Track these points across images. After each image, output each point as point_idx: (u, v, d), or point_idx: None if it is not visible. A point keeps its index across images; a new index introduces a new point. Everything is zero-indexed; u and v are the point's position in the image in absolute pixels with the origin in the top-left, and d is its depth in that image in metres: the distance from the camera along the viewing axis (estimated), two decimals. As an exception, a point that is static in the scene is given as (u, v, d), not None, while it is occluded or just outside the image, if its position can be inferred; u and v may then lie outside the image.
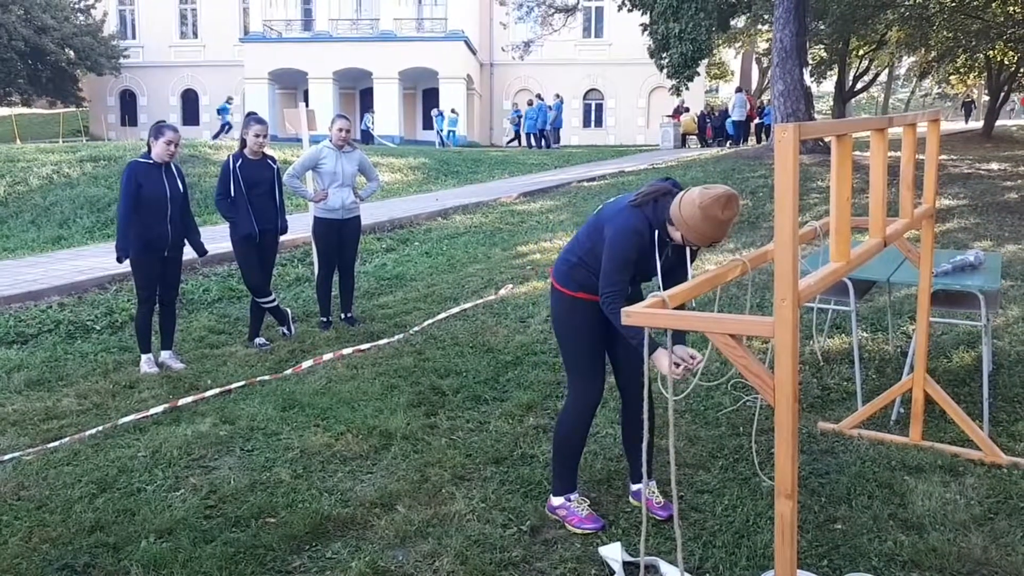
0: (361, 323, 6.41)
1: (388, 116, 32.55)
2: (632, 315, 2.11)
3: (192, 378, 5.07)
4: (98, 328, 6.35)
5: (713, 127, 26.38)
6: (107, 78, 36.69)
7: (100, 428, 4.19)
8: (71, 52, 33.80)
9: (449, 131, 29.34)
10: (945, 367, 4.77)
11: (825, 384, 4.58)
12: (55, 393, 4.85)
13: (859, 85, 27.91)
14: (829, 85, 30.90)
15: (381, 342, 5.79)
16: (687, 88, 19.20)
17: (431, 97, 34.10)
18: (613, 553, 2.78)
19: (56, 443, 4.01)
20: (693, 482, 3.41)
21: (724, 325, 2.03)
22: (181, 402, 4.56)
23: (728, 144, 24.59)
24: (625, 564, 2.73)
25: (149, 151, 5.10)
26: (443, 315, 6.49)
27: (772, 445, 3.65)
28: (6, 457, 3.84)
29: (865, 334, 5.49)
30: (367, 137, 28.06)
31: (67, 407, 4.59)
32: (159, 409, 4.45)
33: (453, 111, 30.31)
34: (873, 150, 2.75)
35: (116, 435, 4.11)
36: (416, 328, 6.14)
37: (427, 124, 34.34)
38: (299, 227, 8.81)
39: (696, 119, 26.87)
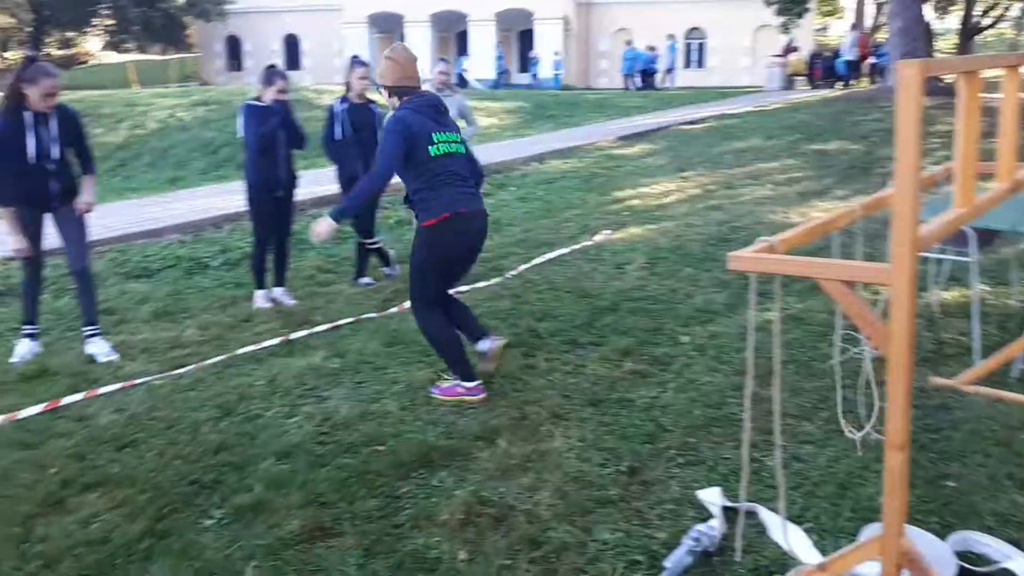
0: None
1: (483, 59, 32.35)
2: (740, 259, 2.08)
3: (303, 313, 5.32)
4: (215, 265, 6.70)
5: (823, 67, 25.05)
6: (214, 24, 37.84)
7: (221, 357, 4.47)
8: (181, -1, 34.98)
9: (555, 74, 28.85)
10: (1073, 324, 4.49)
11: (939, 338, 4.40)
12: (179, 324, 5.19)
13: (986, 20, 25.82)
14: (952, 21, 28.74)
15: (479, 284, 5.90)
16: (796, 25, 18.28)
17: (527, 39, 33.65)
18: (712, 497, 2.81)
19: (182, 370, 4.31)
20: (796, 432, 3.37)
21: (837, 271, 1.98)
22: (294, 336, 4.81)
23: (839, 85, 23.34)
24: (724, 509, 2.75)
25: (259, 96, 5.27)
26: (539, 260, 6.54)
27: (880, 398, 3.56)
28: (138, 381, 4.16)
29: (986, 287, 5.21)
30: (462, 82, 28.05)
31: (190, 337, 4.91)
32: (274, 341, 4.71)
33: (556, 53, 29.78)
34: (1005, 88, 2.58)
35: (235, 364, 4.38)
36: (513, 272, 6.21)
37: (523, 67, 33.97)
38: (400, 170, 8.97)
39: (805, 59, 25.57)
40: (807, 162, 10.25)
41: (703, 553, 2.50)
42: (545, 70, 28.77)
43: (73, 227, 4.57)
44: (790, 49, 25.98)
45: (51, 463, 3.25)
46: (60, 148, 4.42)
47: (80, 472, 3.16)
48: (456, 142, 3.87)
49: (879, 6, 33.52)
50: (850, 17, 35.38)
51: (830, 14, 40.90)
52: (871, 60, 23.98)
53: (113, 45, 39.93)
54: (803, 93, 21.57)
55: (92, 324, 4.64)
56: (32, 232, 4.43)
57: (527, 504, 2.88)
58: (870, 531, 2.50)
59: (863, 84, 22.86)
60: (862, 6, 35.04)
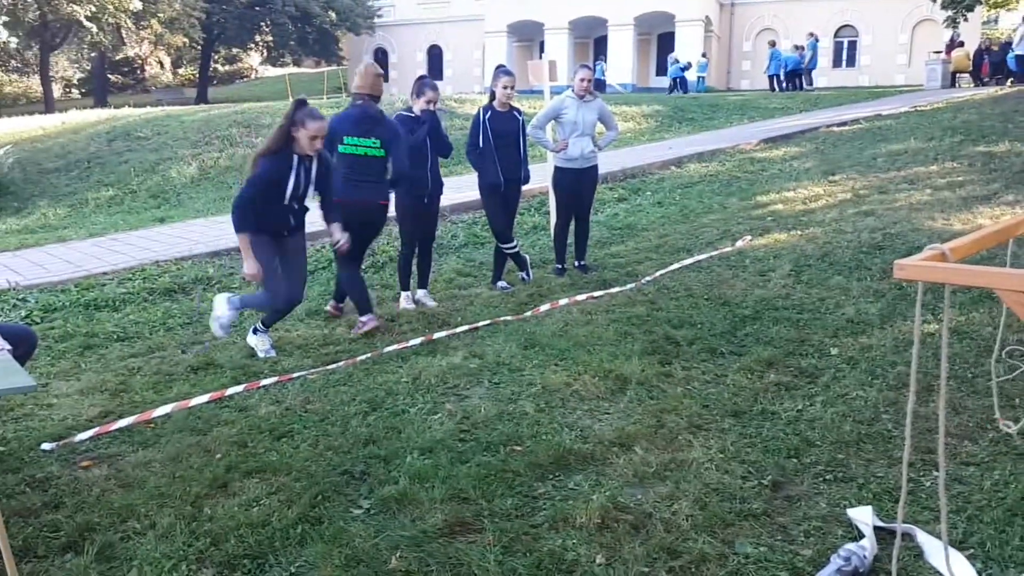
0: (594, 271, 6.53)
1: (621, 63, 32.15)
2: (907, 268, 1.97)
3: (444, 315, 5.50)
4: (364, 267, 7.03)
5: (991, 63, 23.14)
6: (363, 37, 39.76)
7: (368, 355, 4.70)
8: (333, 14, 36.94)
9: (699, 77, 28.24)
10: None
11: None
12: (330, 322, 5.49)
13: None
14: None
15: (614, 290, 5.88)
16: (965, 19, 16.95)
17: (667, 42, 33.17)
18: (864, 516, 2.67)
19: (334, 366, 4.56)
20: (957, 452, 3.14)
21: (1019, 281, 1.83)
22: (436, 336, 4.98)
23: (1010, 82, 21.48)
24: (876, 529, 2.61)
25: (411, 106, 5.50)
26: (676, 265, 6.43)
27: (1057, 420, 3.26)
28: (295, 375, 4.44)
29: None
30: (600, 85, 28.01)
31: (340, 335, 5.18)
32: (417, 341, 4.90)
33: (704, 55, 29.10)
34: None
35: (382, 362, 4.59)
36: (648, 278, 6.15)
37: (661, 71, 33.50)
38: (537, 177, 9.07)
39: (971, 55, 23.72)
40: (971, 165, 9.51)
41: (853, 573, 2.39)
42: (689, 73, 28.13)
43: (298, 259, 4.81)
44: (954, 44, 24.18)
45: (217, 449, 3.53)
46: (312, 190, 4.68)
47: (242, 458, 3.41)
48: (371, 147, 5.09)
49: (1058, -6, 30.63)
50: (1023, 8, 32.50)
51: (1000, 5, 37.73)
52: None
53: (272, 60, 42.79)
54: (968, 91, 20.03)
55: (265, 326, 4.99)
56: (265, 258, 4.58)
57: (665, 513, 2.85)
58: (1045, 564, 2.30)
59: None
60: (1038, -6, 32.16)
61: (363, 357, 4.66)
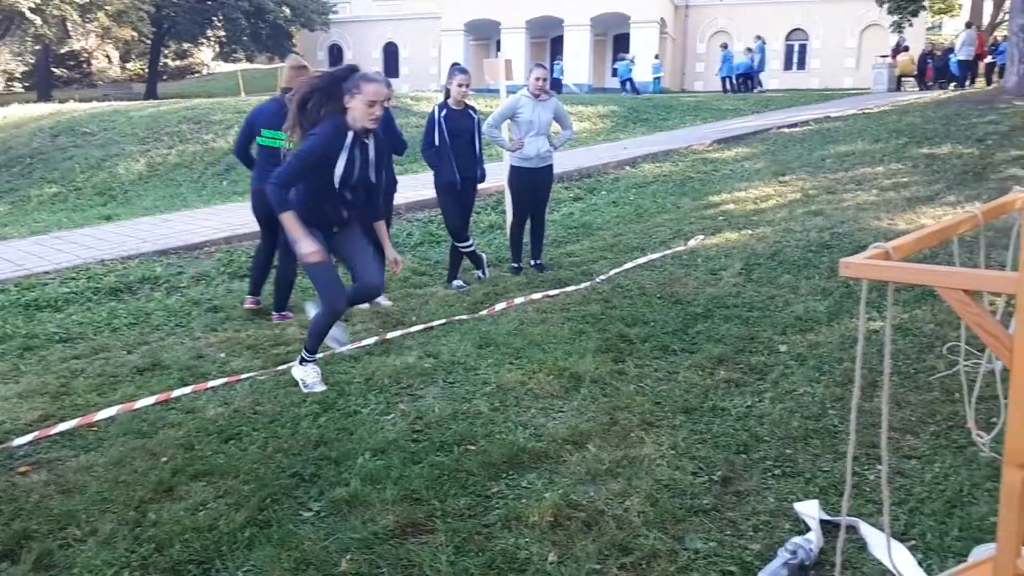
0: (550, 270, 6.55)
1: (578, 64, 32.32)
2: (852, 266, 2.00)
3: (399, 314, 5.46)
4: (315, 266, 6.95)
5: (935, 67, 23.84)
6: (318, 33, 39.29)
7: (321, 355, 4.63)
8: (287, 9, 36.42)
9: (655, 78, 28.51)
10: None
11: (1061, 353, 4.12)
12: (282, 322, 5.40)
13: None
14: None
15: (569, 289, 5.90)
16: (910, 24, 17.45)
17: (623, 43, 33.46)
18: (810, 510, 2.72)
19: (284, 366, 4.49)
20: (900, 446, 3.22)
21: (959, 279, 1.88)
22: (390, 335, 4.94)
23: (952, 86, 22.17)
24: (822, 523, 2.66)
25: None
26: (630, 264, 6.48)
27: (992, 414, 3.37)
28: (244, 376, 4.36)
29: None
30: (556, 85, 28.11)
31: (292, 335, 5.11)
32: (371, 341, 4.85)
33: (656, 57, 29.38)
34: None
35: (334, 362, 4.53)
36: (603, 276, 6.19)
37: (616, 71, 33.81)
38: (493, 176, 9.07)
39: (915, 59, 24.41)
40: (915, 167, 9.78)
41: (799, 566, 2.43)
42: (643, 73, 28.40)
43: (362, 241, 4.18)
44: (900, 49, 24.85)
45: (162, 452, 3.44)
46: (372, 175, 3.99)
47: (189, 461, 3.34)
48: (276, 139, 5.17)
49: (997, 2, 31.63)
50: (966, 14, 33.52)
51: (944, 11, 38.89)
52: (988, 60, 22.67)
53: (224, 55, 42.01)
54: (912, 95, 20.60)
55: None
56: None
57: (617, 509, 2.86)
58: (981, 551, 2.36)
59: (979, 85, 21.63)
60: (980, 2, 33.20)
61: (315, 357, 4.59)
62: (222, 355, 4.78)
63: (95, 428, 3.74)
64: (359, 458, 3.30)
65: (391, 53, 40.25)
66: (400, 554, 2.64)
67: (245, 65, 41.90)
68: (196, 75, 49.38)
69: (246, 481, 3.16)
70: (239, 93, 27.30)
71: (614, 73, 31.94)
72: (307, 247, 3.73)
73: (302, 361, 4.14)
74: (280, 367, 4.48)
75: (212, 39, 39.93)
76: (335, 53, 41.13)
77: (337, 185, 3.85)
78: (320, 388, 4.04)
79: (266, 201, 5.02)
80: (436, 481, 3.08)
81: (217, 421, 3.77)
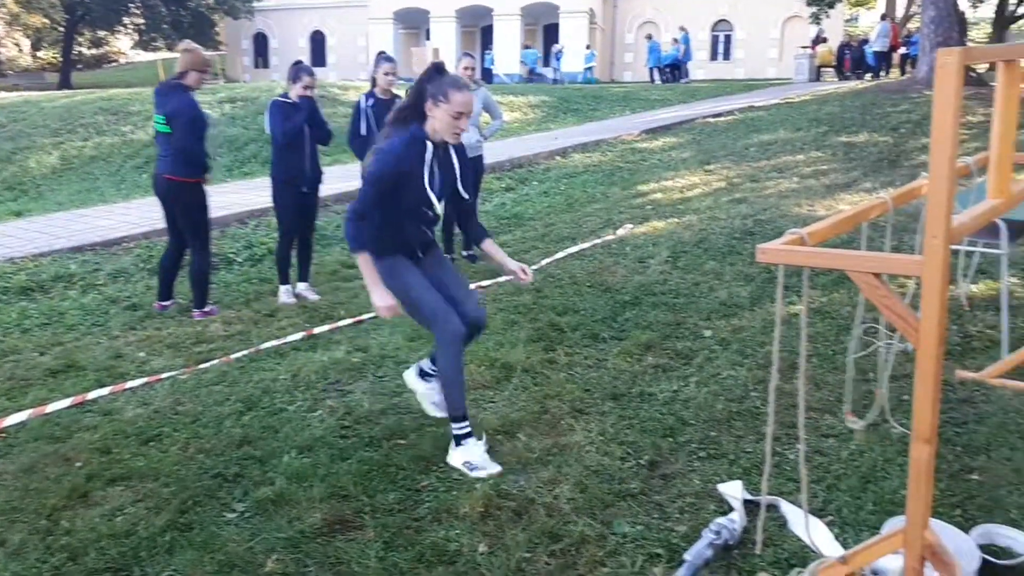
0: (481, 261, 6.53)
1: (508, 54, 32.30)
2: (768, 252, 2.05)
3: (326, 309, 5.37)
4: (239, 260, 6.78)
5: (852, 58, 24.67)
6: (242, 22, 38.19)
7: (245, 352, 4.52)
8: (209, -3, 35.29)
9: (586, 68, 28.69)
10: (1107, 317, 4.39)
11: (966, 331, 4.32)
12: (203, 319, 5.24)
13: (1023, 9, 25.28)
14: (986, 10, 28.15)
15: (501, 279, 5.90)
16: (827, 16, 18.02)
17: (552, 33, 33.56)
18: (733, 491, 2.78)
19: (206, 364, 4.36)
20: (818, 426, 3.33)
21: (868, 263, 1.94)
22: (317, 330, 4.85)
23: (868, 76, 22.98)
24: (745, 502, 2.72)
25: (287, 92, 5.32)
26: (561, 254, 6.52)
27: (904, 392, 3.51)
28: (164, 375, 4.22)
29: (1015, 280, 5.11)
30: (487, 75, 28.05)
31: (214, 332, 4.97)
32: (297, 336, 4.75)
33: (588, 47, 29.56)
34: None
35: (259, 359, 4.42)
36: (535, 267, 6.20)
37: (547, 62, 33.90)
38: (423, 165, 9.00)
39: (834, 50, 25.21)
40: (834, 154, 10.11)
41: (723, 546, 2.48)
42: (574, 64, 28.56)
43: (452, 271, 3.46)
44: (819, 40, 25.63)
45: (77, 457, 3.31)
46: (460, 187, 3.31)
47: (106, 466, 3.21)
48: (160, 123, 5.13)
49: (910, -5, 32.91)
50: (881, 7, 34.77)
51: (860, 4, 40.25)
52: (902, 51, 23.58)
53: (143, 44, 40.44)
54: (831, 85, 21.28)
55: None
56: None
57: (547, 497, 2.88)
58: (893, 524, 2.46)
59: (894, 75, 22.48)
60: (893, -5, 34.47)
61: (238, 355, 4.48)
62: (141, 354, 4.62)
63: (4, 435, 3.57)
64: (285, 456, 3.23)
65: (318, 42, 39.46)
66: (328, 552, 2.60)
67: (166, 54, 40.45)
68: (113, 64, 47.47)
69: (166, 484, 3.06)
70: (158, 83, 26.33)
71: (548, 63, 32.09)
72: (380, 299, 3.04)
73: (457, 441, 3.17)
74: (203, 365, 4.35)
75: (130, 27, 38.39)
76: (260, 42, 40.11)
77: (419, 205, 3.15)
78: (495, 468, 3.07)
79: (160, 186, 5.17)
80: (365, 477, 3.04)
81: (136, 423, 3.64)
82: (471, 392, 3.85)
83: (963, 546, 2.35)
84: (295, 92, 5.26)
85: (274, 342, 4.67)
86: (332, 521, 2.76)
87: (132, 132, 15.05)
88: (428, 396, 3.39)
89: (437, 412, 3.40)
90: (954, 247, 4.60)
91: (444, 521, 2.75)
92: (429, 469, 3.12)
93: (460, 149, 3.30)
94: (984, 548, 2.41)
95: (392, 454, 3.23)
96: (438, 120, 3.07)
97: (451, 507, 2.82)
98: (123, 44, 45.95)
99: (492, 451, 3.24)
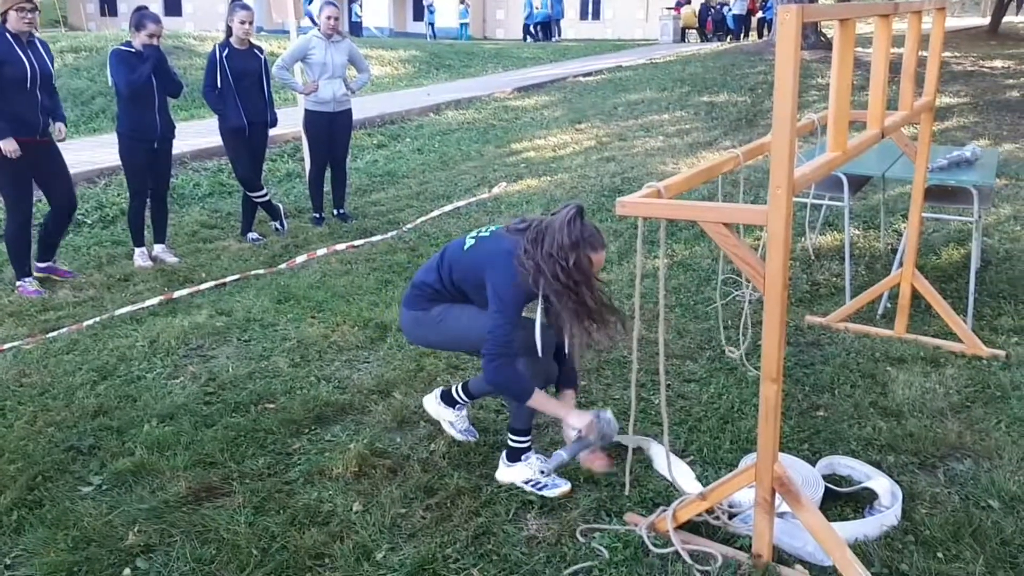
0: (354, 219, 6.39)
1: (378, 6, 31.36)
2: (627, 205, 2.10)
3: (186, 271, 5.09)
4: (89, 222, 6.32)
5: (714, 21, 25.60)
6: (83, -36, 35.00)
7: (97, 319, 4.24)
8: (43, -65, 32.11)
9: (461, 24, 28.21)
10: (934, 263, 4.82)
11: (815, 280, 4.64)
12: (50, 285, 4.87)
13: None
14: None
15: (374, 238, 5.79)
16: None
17: (422, -13, 32.76)
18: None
19: (54, 333, 4.06)
20: (680, 372, 3.49)
21: (717, 213, 2.04)
22: (176, 294, 4.60)
23: (728, 39, 23.93)
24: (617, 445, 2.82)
25: (130, 41, 4.94)
26: (436, 212, 6.47)
27: (759, 338, 3.73)
28: (6, 346, 3.90)
29: (857, 231, 5.51)
30: (356, 28, 27.13)
31: (63, 299, 4.62)
32: (155, 301, 4.49)
33: (463, 2, 29.01)
34: (876, 36, 2.69)
35: (113, 326, 4.16)
36: (409, 225, 6.13)
37: (417, 15, 33.17)
38: (289, 122, 8.64)
39: (697, 12, 26.04)
40: (697, 114, 10.49)
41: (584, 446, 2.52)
42: (448, 19, 28.06)
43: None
44: (683, 2, 26.38)
45: (-94, 436, 3.01)
46: None
47: (-60, 444, 2.95)
48: None
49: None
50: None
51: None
52: (759, 15, 24.68)
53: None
54: (694, 46, 22.00)
55: None
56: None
57: (423, 452, 2.88)
58: (747, 460, 2.63)
59: (752, 38, 23.51)
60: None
61: (90, 322, 4.19)
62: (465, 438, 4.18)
63: None
64: (144, 426, 3.07)
65: (172, -11, 36.82)
66: (194, 520, 2.50)
67: (-5, -4, 36.62)
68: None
69: (12, 460, 2.84)
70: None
71: (417, 17, 31.32)
72: (578, 420, 2.55)
73: (513, 456, 2.74)
74: (50, 334, 4.04)
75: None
76: (106, -13, 36.98)
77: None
78: (565, 486, 2.66)
79: None
80: (232, 443, 2.94)
81: (-26, 398, 3.35)
82: (344, 352, 3.79)
83: (809, 477, 2.55)
84: (139, 41, 4.89)
85: (130, 307, 4.40)
86: (198, 489, 2.65)
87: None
88: (457, 423, 2.98)
89: (463, 437, 2.98)
90: (802, 200, 4.90)
91: (317, 483, 2.70)
92: (300, 432, 3.05)
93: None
94: (827, 478, 2.62)
95: (260, 419, 3.13)
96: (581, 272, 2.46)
97: (324, 469, 2.77)
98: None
99: (365, 411, 3.21)
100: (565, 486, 2.65)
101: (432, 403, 3.01)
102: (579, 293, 2.42)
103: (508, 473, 2.72)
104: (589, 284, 2.44)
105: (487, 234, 2.65)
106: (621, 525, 2.43)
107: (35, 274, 4.86)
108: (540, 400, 2.56)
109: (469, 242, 2.66)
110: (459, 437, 2.97)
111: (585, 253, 2.41)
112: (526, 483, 2.68)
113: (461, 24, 28.32)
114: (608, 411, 2.57)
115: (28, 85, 4.43)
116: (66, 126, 4.74)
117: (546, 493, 2.63)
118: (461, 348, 2.77)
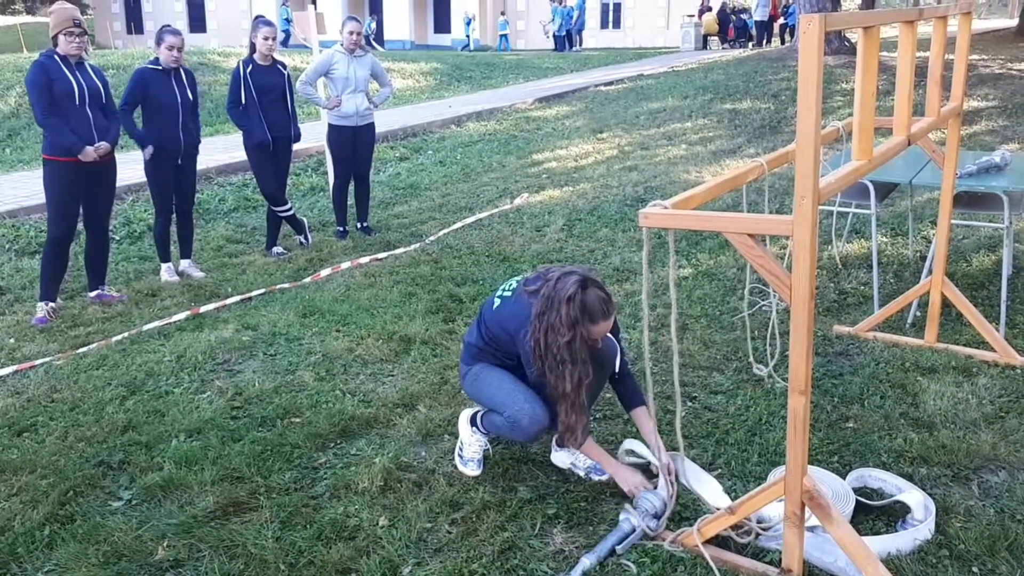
0: (377, 232, 6.42)
1: (398, 19, 31.62)
2: (649, 216, 2.09)
3: (212, 286, 5.15)
4: (117, 238, 6.41)
5: (735, 27, 25.49)
6: (110, -16, 35.72)
7: (126, 334, 4.29)
8: (72, -44, 32.84)
9: (501, 36, 28.53)
10: (964, 271, 4.74)
11: (842, 288, 4.58)
12: (79, 301, 4.94)
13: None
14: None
15: (398, 251, 5.82)
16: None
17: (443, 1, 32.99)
18: (639, 448, 2.84)
19: (84, 349, 4.12)
20: (707, 383, 3.46)
21: (742, 224, 2.02)
22: (203, 309, 4.65)
23: (751, 45, 23.82)
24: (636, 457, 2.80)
25: (157, 58, 5.02)
26: (458, 224, 6.49)
27: (787, 347, 3.69)
28: (38, 362, 3.96)
29: (884, 238, 5.44)
30: (380, 41, 27.38)
31: (92, 315, 4.69)
32: (182, 316, 4.54)
33: (503, 14, 29.33)
34: (901, 42, 2.66)
35: (141, 341, 4.21)
36: (432, 237, 6.15)
37: (439, 27, 33.39)
38: (312, 136, 8.73)
39: (718, 19, 25.96)
40: (720, 121, 10.44)
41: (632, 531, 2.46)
42: (477, 31, 28.43)
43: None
44: (704, 9, 26.30)
45: (-58, 452, 3.07)
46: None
47: (-26, 460, 3.00)
48: None
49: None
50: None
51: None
52: (781, 21, 24.53)
53: (1, 8, 37.36)
54: (716, 53, 21.92)
55: None
56: None
57: (447, 466, 2.88)
58: (776, 473, 2.59)
59: (774, 44, 23.38)
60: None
61: (119, 337, 4.25)
62: (11, 340, 4.31)
63: None
64: (173, 440, 3.10)
65: (196, 5, 37.38)
66: (222, 535, 2.51)
67: (26, 19, 37.47)
68: (-34, 28, 43.63)
69: (44, 475, 2.88)
70: (20, 50, 24.40)
71: (439, 29, 31.52)
72: (629, 480, 2.61)
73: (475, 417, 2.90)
74: (80, 349, 4.10)
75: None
76: (132, 5, 37.66)
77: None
78: (476, 469, 2.84)
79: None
80: (259, 457, 2.95)
81: (8, 413, 3.41)
82: (369, 366, 3.80)
83: (840, 490, 2.51)
84: (162, 55, 4.97)
85: (157, 323, 4.45)
86: (225, 504, 2.67)
87: (-9, 102, 13.90)
88: (469, 446, 2.90)
89: (461, 465, 2.90)
90: (828, 208, 4.84)
91: (343, 497, 2.71)
92: (326, 446, 3.06)
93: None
94: (858, 491, 2.57)
95: (287, 433, 3.15)
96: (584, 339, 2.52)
97: (349, 483, 2.78)
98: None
99: (390, 425, 3.22)
100: (476, 470, 2.83)
101: (465, 420, 2.93)
102: (562, 375, 2.46)
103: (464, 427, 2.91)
104: (574, 369, 2.46)
105: (509, 293, 2.72)
106: (649, 540, 2.41)
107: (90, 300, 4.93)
108: (592, 451, 2.64)
109: (496, 302, 2.75)
110: (457, 463, 2.89)
111: (584, 327, 2.43)
112: (458, 449, 2.91)
113: (500, 35, 28.61)
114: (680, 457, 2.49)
115: (77, 102, 4.48)
116: (113, 147, 4.65)
117: (459, 465, 2.86)
118: (490, 408, 2.79)
